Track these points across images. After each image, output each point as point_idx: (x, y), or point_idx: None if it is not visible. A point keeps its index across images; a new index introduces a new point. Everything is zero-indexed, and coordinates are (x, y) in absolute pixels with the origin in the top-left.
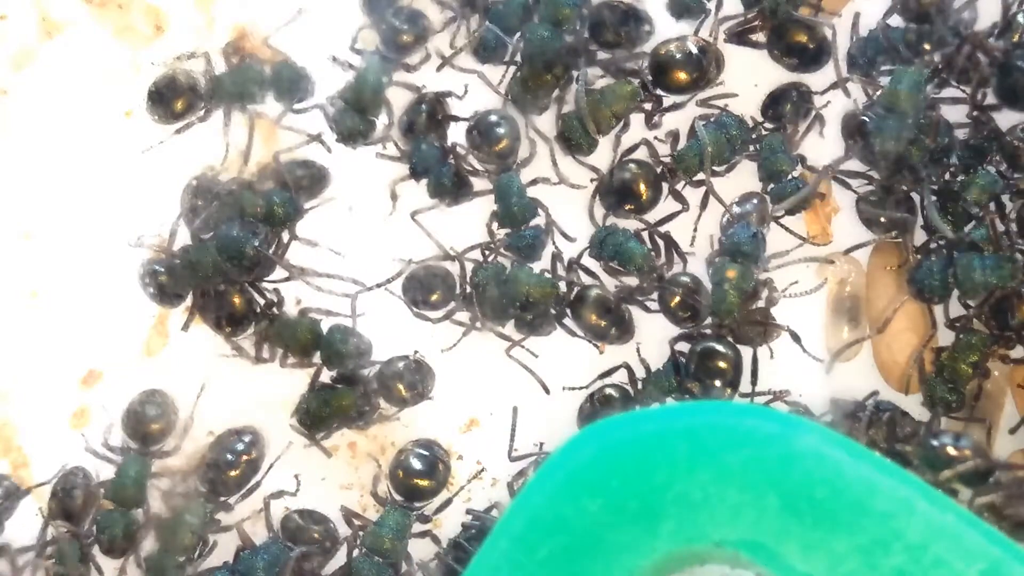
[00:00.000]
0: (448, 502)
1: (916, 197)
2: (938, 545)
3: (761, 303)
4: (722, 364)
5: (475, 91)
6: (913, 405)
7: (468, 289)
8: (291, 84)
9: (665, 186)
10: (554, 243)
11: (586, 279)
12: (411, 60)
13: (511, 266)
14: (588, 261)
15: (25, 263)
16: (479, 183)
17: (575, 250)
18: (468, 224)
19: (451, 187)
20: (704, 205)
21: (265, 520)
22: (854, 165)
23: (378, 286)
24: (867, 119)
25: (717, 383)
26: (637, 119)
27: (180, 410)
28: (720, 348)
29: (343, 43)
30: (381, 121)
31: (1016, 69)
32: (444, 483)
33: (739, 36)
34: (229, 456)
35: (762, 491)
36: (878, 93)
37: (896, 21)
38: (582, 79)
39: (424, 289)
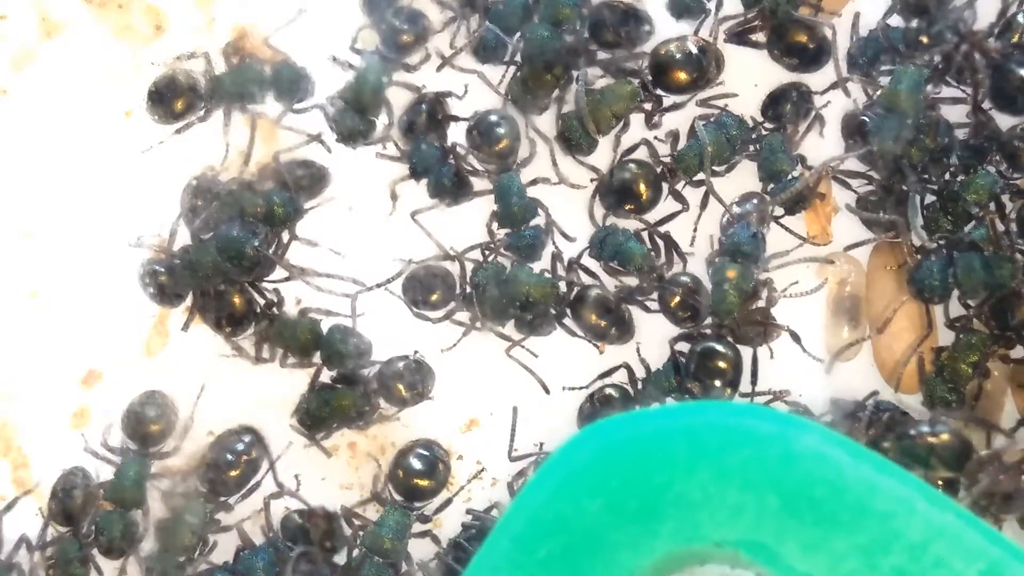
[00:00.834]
0: (448, 502)
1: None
2: (938, 545)
3: (761, 303)
4: (722, 364)
5: (475, 91)
6: (913, 405)
7: (468, 289)
8: (291, 84)
9: (665, 186)
10: (554, 243)
11: (586, 279)
12: (411, 60)
13: (511, 266)
14: (588, 261)
15: (25, 263)
16: (479, 183)
17: (575, 250)
18: (468, 224)
19: (451, 187)
20: (704, 205)
21: (265, 520)
22: (854, 165)
23: (378, 286)
24: (867, 119)
25: (717, 383)
26: (637, 119)
27: (180, 410)
28: (720, 348)
29: (343, 43)
30: (381, 121)
31: (1010, 73)
32: (444, 483)
33: (739, 36)
34: (229, 456)
35: (762, 491)
36: (878, 93)
37: (896, 21)
38: (582, 79)
39: (424, 289)
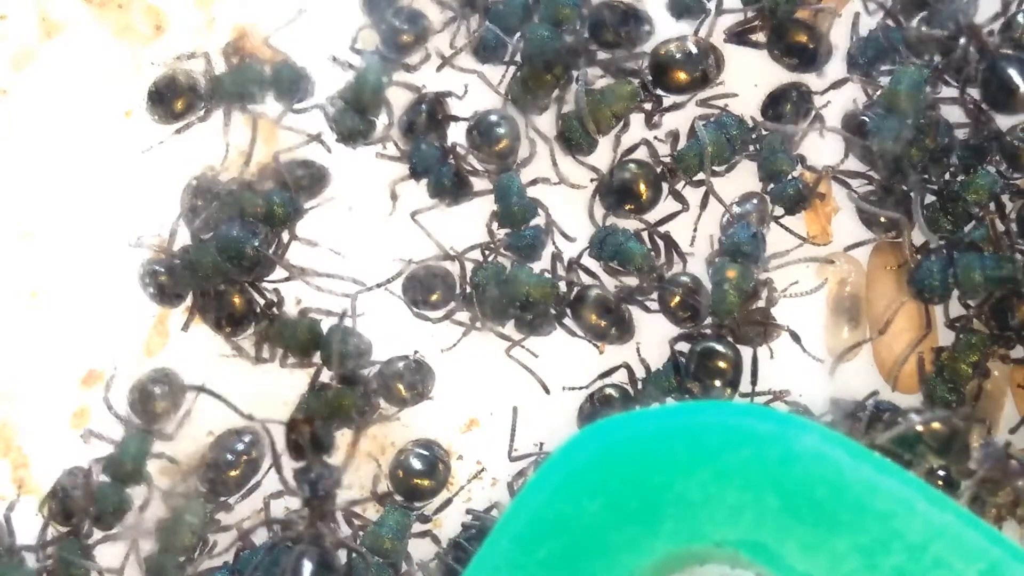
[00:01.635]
0: (448, 502)
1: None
2: (938, 545)
3: (761, 303)
4: (722, 364)
5: (475, 91)
6: (914, 405)
7: (468, 289)
8: (291, 84)
9: (665, 186)
10: (554, 243)
11: (586, 279)
12: (411, 60)
13: (511, 266)
14: (588, 261)
15: (25, 263)
16: (479, 183)
17: (575, 250)
18: (468, 224)
19: (451, 187)
20: (704, 205)
21: (265, 520)
22: (854, 165)
23: (378, 286)
24: (867, 119)
25: (717, 383)
26: (637, 119)
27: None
28: (720, 348)
29: (343, 43)
30: (381, 121)
31: (1001, 72)
32: (444, 483)
33: (739, 36)
34: (229, 456)
35: (762, 491)
36: (878, 93)
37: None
38: (582, 79)
39: (424, 289)
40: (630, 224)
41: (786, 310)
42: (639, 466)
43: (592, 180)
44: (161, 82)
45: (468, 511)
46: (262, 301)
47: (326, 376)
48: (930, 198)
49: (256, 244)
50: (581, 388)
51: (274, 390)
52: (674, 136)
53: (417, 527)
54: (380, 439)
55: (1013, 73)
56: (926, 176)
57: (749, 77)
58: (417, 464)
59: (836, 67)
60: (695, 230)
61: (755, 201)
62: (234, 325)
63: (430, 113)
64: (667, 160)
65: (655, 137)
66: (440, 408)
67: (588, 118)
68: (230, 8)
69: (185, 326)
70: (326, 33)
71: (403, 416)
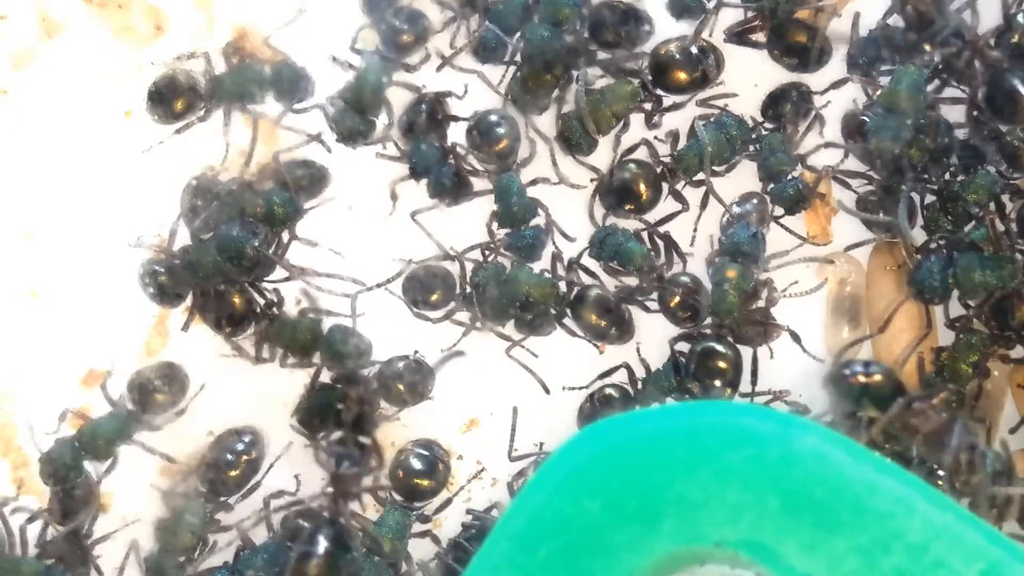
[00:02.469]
0: (448, 502)
1: (915, 197)
2: (938, 545)
3: (761, 303)
4: (722, 364)
5: (475, 91)
6: None
7: (468, 289)
8: (291, 84)
9: (665, 186)
10: (554, 243)
11: (586, 279)
12: (411, 60)
13: (511, 266)
14: (588, 261)
15: (25, 263)
16: (479, 183)
17: (575, 250)
18: (468, 224)
19: (451, 187)
20: (704, 205)
21: (265, 520)
22: (854, 165)
23: (378, 286)
24: (867, 119)
25: (717, 383)
26: (637, 119)
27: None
28: (720, 348)
29: (343, 43)
30: (381, 121)
31: (1005, 82)
32: (444, 483)
33: (739, 36)
34: (229, 456)
35: (762, 491)
36: (878, 93)
37: (896, 21)
38: (582, 79)
39: (424, 289)
40: (630, 224)
41: (786, 310)
42: (639, 466)
43: (592, 180)
44: (161, 82)
45: (468, 511)
46: (262, 301)
47: (326, 376)
48: (930, 198)
49: (256, 244)
50: (581, 388)
51: (274, 390)
52: (674, 136)
53: (417, 527)
54: (380, 439)
55: (1017, 84)
56: (926, 176)
57: (749, 77)
58: (417, 464)
59: (836, 67)
60: (695, 230)
61: (755, 201)
62: (234, 325)
63: (430, 113)
64: (667, 160)
65: (655, 137)
66: (440, 408)
67: (588, 118)
68: (230, 8)
69: (185, 326)
70: (326, 33)
71: (403, 416)
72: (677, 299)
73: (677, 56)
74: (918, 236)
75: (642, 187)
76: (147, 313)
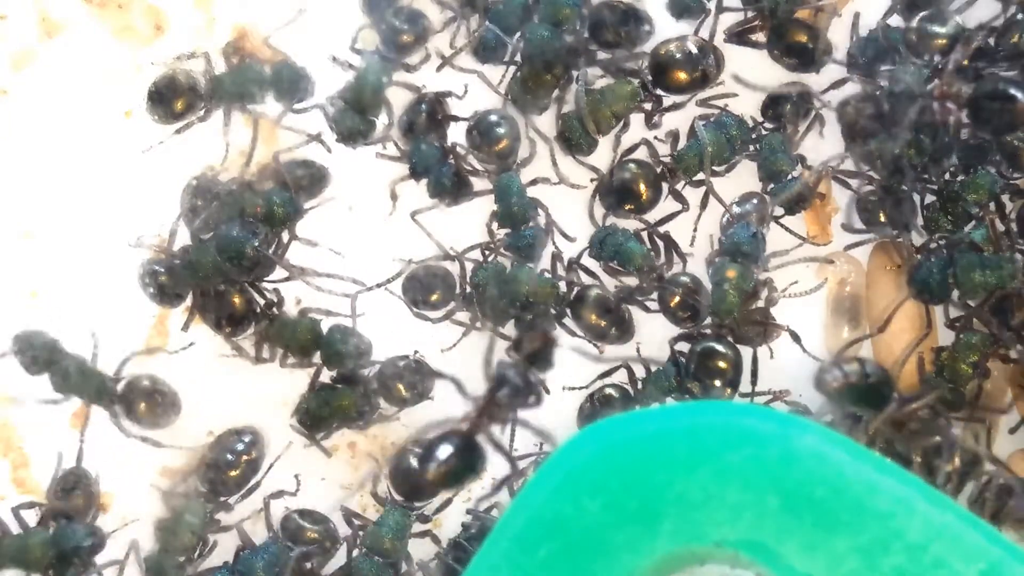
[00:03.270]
0: (448, 502)
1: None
2: (938, 545)
3: (761, 303)
4: (722, 364)
5: (475, 91)
6: None
7: (468, 289)
8: (291, 84)
9: (665, 186)
10: (554, 243)
11: (586, 279)
12: (411, 60)
13: (511, 266)
14: (588, 261)
15: (25, 263)
16: (479, 183)
17: (575, 250)
18: (468, 224)
19: (451, 187)
20: (704, 205)
21: (265, 520)
22: (854, 165)
23: (378, 286)
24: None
25: (717, 383)
26: (637, 119)
27: (182, 410)
28: (720, 348)
29: (343, 43)
30: (381, 121)
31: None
32: None
33: (739, 36)
34: (229, 456)
35: (762, 491)
36: (878, 93)
37: (896, 21)
38: (582, 79)
39: (424, 289)
40: (630, 224)
41: (786, 310)
42: (639, 466)
43: (592, 180)
44: (161, 82)
45: (468, 511)
46: (262, 301)
47: (326, 376)
48: (930, 198)
49: (256, 244)
50: (581, 388)
51: (274, 390)
52: (674, 136)
53: (417, 527)
54: (380, 439)
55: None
56: (926, 176)
57: (749, 77)
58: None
59: (836, 67)
60: (695, 230)
61: (755, 201)
62: (234, 325)
63: (430, 113)
64: (667, 160)
65: (655, 137)
66: (440, 408)
67: (588, 118)
68: (230, 8)
69: (185, 326)
70: (326, 33)
71: (403, 416)
72: (677, 299)
73: (677, 56)
74: (918, 236)
75: (642, 187)
76: (147, 313)
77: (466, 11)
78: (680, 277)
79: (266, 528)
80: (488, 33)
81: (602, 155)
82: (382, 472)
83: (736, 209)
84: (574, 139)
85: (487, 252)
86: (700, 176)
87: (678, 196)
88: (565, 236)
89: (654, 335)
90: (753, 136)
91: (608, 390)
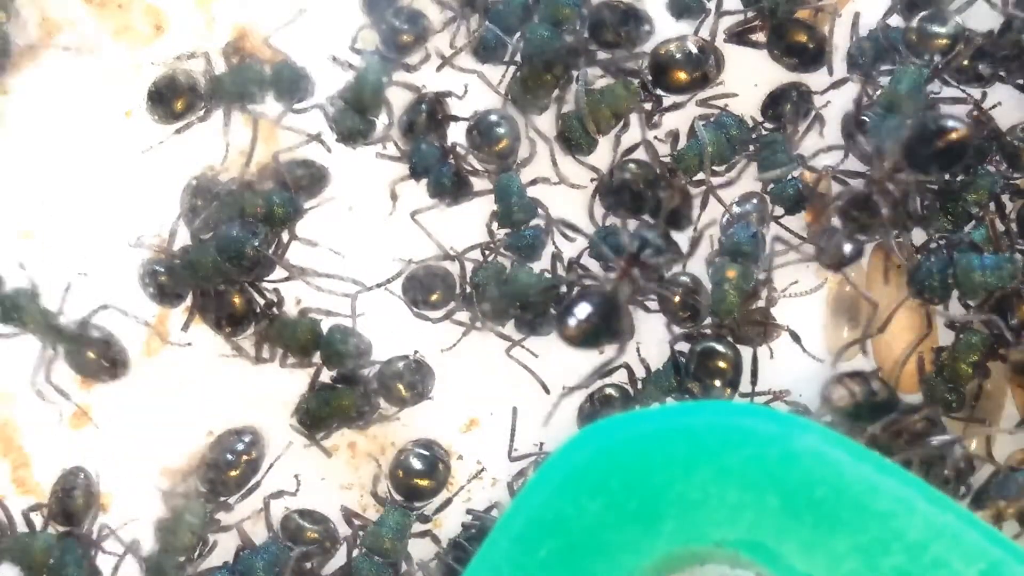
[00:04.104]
0: (448, 502)
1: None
2: (938, 545)
3: (761, 303)
4: (722, 364)
5: (475, 91)
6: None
7: (468, 289)
8: (291, 84)
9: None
10: (554, 243)
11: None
12: (411, 60)
13: (511, 266)
14: (588, 261)
15: (25, 263)
16: (479, 183)
17: (575, 250)
18: (468, 224)
19: (451, 187)
20: (704, 205)
21: (265, 520)
22: (854, 165)
23: (378, 286)
24: (867, 119)
25: (717, 383)
26: (637, 119)
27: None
28: (720, 348)
29: (343, 43)
30: (381, 121)
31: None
32: (444, 483)
33: (739, 36)
34: (229, 456)
35: (762, 491)
36: (878, 93)
37: (896, 21)
38: (582, 79)
39: (424, 289)
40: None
41: (786, 310)
42: (639, 466)
43: (592, 180)
44: (161, 82)
45: (468, 511)
46: (262, 301)
47: (326, 376)
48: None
49: (256, 244)
50: (581, 388)
51: (274, 390)
52: (674, 136)
53: (417, 527)
54: (380, 439)
55: None
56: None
57: (749, 77)
58: (417, 464)
59: (836, 67)
60: (695, 230)
61: (755, 201)
62: (234, 325)
63: (430, 113)
64: (667, 160)
65: (655, 137)
66: (440, 408)
67: (588, 118)
68: (230, 8)
69: (185, 326)
70: (326, 33)
71: (403, 416)
72: (677, 299)
73: (677, 56)
74: (918, 236)
75: (642, 187)
76: (147, 313)
77: (466, 11)
78: (680, 277)
79: (266, 528)
80: (488, 33)
81: (602, 155)
82: (382, 472)
83: (736, 209)
84: (574, 139)
85: (487, 252)
86: (700, 176)
87: None
88: (565, 236)
89: (654, 335)
90: (753, 136)
91: (608, 390)
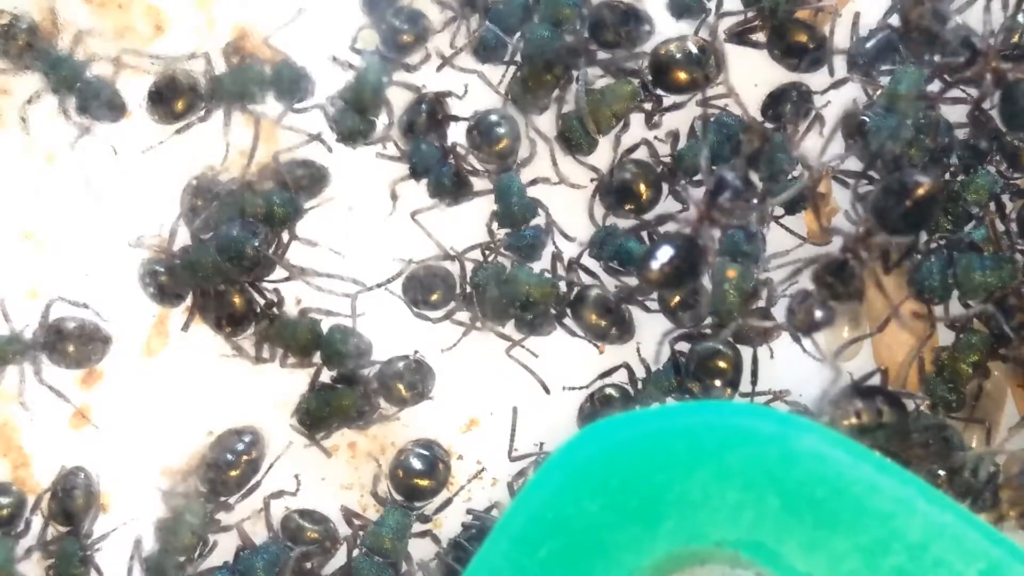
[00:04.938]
0: (448, 502)
1: None
2: (938, 545)
3: (761, 303)
4: (722, 364)
5: (475, 91)
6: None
7: (468, 289)
8: (291, 84)
9: (665, 186)
10: (554, 243)
11: (586, 279)
12: (411, 60)
13: (511, 266)
14: (588, 261)
15: (25, 263)
16: (479, 183)
17: (575, 250)
18: (468, 224)
19: (451, 187)
20: None
21: (265, 520)
22: (854, 165)
23: (378, 286)
24: (867, 119)
25: (717, 383)
26: (637, 119)
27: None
28: (720, 348)
29: (343, 43)
30: (381, 121)
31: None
32: (444, 483)
33: (739, 36)
34: (229, 456)
35: (762, 491)
36: (878, 93)
37: (896, 21)
38: (582, 79)
39: (424, 289)
40: (630, 224)
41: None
42: (639, 466)
43: (592, 180)
44: (161, 82)
45: (468, 511)
46: (262, 301)
47: (326, 376)
48: None
49: (256, 244)
50: (581, 388)
51: (274, 390)
52: (674, 136)
53: (417, 527)
54: (380, 439)
55: None
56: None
57: (749, 77)
58: (417, 464)
59: (836, 67)
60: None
61: (755, 201)
62: (234, 325)
63: (430, 113)
64: (667, 160)
65: (655, 137)
66: (440, 408)
67: (588, 118)
68: (230, 8)
69: (185, 326)
70: (326, 33)
71: (403, 416)
72: (677, 299)
73: (677, 56)
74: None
75: (642, 187)
76: (147, 313)
77: (466, 11)
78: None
79: (266, 528)
80: (488, 33)
81: (602, 155)
82: (382, 472)
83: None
84: (574, 139)
85: (487, 252)
86: (700, 176)
87: (678, 196)
88: (565, 236)
89: (654, 335)
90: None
91: (608, 390)
